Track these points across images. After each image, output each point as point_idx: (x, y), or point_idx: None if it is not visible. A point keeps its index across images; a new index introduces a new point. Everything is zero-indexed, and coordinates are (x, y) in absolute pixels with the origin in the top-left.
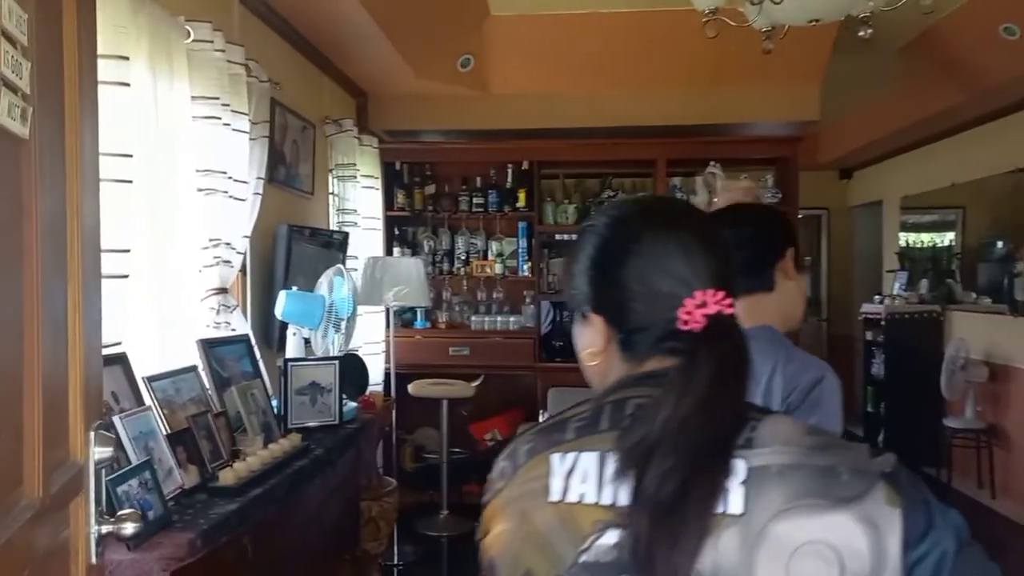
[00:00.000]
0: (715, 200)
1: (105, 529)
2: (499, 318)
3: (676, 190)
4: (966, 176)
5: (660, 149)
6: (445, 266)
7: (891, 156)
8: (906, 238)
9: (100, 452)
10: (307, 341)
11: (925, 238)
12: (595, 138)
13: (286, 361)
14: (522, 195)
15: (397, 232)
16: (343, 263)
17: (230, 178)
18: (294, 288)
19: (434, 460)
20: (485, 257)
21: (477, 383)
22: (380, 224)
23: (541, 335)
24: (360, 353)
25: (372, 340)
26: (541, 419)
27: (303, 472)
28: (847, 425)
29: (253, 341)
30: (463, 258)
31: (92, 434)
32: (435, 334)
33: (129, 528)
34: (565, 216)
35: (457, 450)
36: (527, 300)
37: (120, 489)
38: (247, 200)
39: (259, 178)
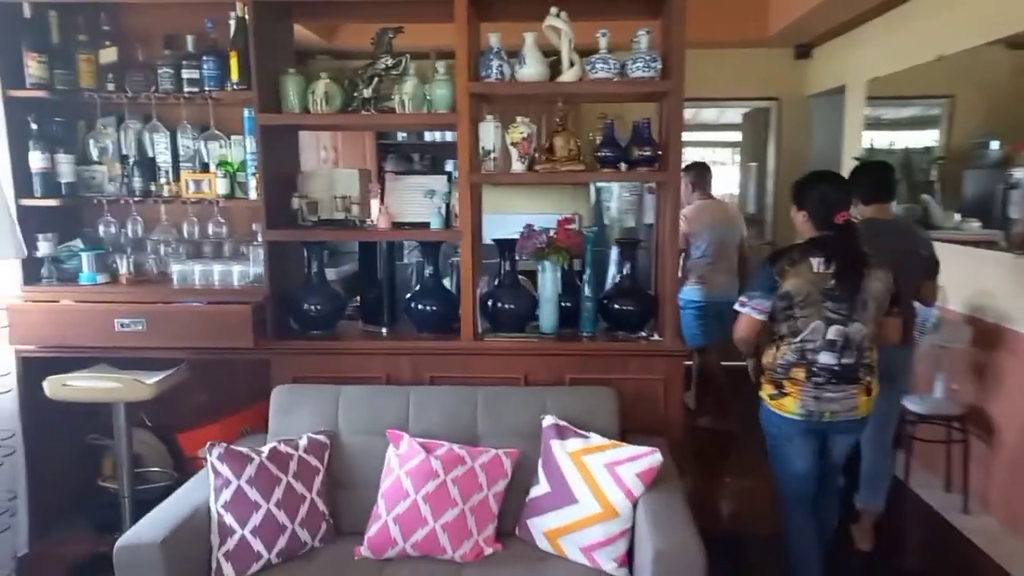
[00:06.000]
0: (560, 80)
1: None
2: (218, 267)
3: (491, 55)
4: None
5: None
6: (137, 183)
7: (862, 23)
8: (871, 138)
9: None
10: None
11: (898, 138)
12: None
13: None
14: (234, 61)
15: (37, 127)
16: None
17: None
18: None
19: (117, 491)
20: (206, 169)
21: (163, 377)
22: None
23: (272, 294)
24: None
25: None
26: (247, 444)
27: None
28: None
29: None
30: (167, 170)
31: None
32: (96, 294)
33: None
34: (321, 101)
35: (156, 470)
36: (256, 239)
37: None
38: None
39: None
